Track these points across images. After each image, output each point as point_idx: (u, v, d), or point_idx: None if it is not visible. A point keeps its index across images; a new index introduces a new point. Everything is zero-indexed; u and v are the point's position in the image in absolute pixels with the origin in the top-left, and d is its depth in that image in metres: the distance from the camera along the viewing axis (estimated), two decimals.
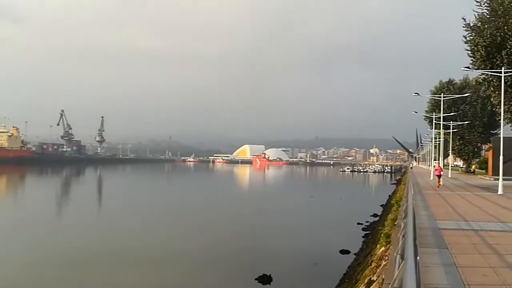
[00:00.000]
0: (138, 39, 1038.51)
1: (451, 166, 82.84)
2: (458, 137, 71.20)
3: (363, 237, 30.36)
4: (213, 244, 29.48)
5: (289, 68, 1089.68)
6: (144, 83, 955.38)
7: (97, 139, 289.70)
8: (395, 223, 18.65)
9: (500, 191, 28.27)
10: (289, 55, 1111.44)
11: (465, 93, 61.09)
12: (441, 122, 57.28)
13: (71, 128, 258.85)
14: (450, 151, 76.20)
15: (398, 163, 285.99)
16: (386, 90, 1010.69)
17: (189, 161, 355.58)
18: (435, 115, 59.59)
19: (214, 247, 28.41)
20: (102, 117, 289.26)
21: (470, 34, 33.37)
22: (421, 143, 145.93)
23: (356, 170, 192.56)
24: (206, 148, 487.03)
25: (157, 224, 37.31)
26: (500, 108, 31.64)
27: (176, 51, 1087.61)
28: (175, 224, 37.95)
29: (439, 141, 70.34)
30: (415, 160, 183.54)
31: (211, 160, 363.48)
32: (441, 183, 36.29)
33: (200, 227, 36.15)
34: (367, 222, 38.22)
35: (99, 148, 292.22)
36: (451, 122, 63.87)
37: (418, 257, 6.79)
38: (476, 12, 33.20)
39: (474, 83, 58.21)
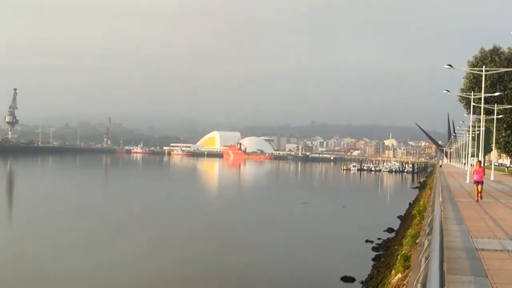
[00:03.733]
0: None
1: (495, 165, 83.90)
2: (505, 125, 71.88)
3: (373, 259, 30.65)
4: (182, 270, 29.56)
5: (277, 26, 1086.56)
6: (73, 40, 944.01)
7: (7, 120, 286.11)
8: (417, 241, 18.88)
9: None
10: (279, 4, 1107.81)
11: None
12: (482, 105, 57.84)
13: None
14: (494, 145, 76.95)
15: (423, 159, 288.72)
16: (407, 61, 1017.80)
17: (136, 152, 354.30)
18: (474, 95, 60.13)
19: (183, 274, 28.50)
20: (15, 89, 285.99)
21: None
22: (455, 133, 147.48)
23: (365, 168, 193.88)
24: (159, 134, 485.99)
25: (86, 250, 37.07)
26: None
27: None
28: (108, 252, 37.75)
29: (479, 130, 71.10)
30: (446, 156, 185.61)
31: (166, 151, 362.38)
32: (481, 192, 29.26)
33: (161, 249, 36.13)
34: (379, 239, 38.57)
35: (10, 132, 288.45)
36: (496, 104, 64.49)
37: None
38: None
39: None
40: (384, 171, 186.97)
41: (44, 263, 30.25)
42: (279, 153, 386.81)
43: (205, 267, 30.05)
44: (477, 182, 29.42)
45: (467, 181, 49.26)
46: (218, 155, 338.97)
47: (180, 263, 31.13)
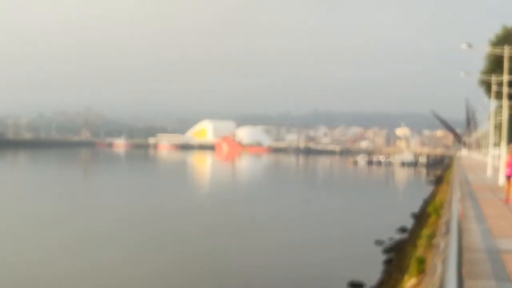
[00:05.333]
0: None
1: None
2: None
3: (384, 262, 30.70)
4: (177, 274, 29.70)
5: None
6: (47, 22, 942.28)
7: None
8: (433, 242, 18.93)
9: None
10: None
11: None
12: (504, 89, 57.81)
13: None
14: None
15: (439, 150, 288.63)
16: (421, 40, 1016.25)
17: (119, 144, 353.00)
18: (496, 78, 60.10)
19: (178, 279, 28.65)
20: None
21: None
22: (474, 121, 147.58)
23: (375, 161, 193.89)
24: (144, 124, 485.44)
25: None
26: None
27: None
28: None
29: (502, 118, 71.12)
30: (465, 147, 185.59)
31: (151, 144, 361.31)
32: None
33: (152, 254, 36.24)
34: (390, 240, 38.61)
35: None
36: None
37: None
38: None
39: None
40: (395, 164, 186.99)
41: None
42: (278, 145, 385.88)
43: (201, 271, 30.14)
44: (509, 177, 26.06)
45: (488, 174, 49.35)
46: (210, 148, 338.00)
47: (175, 267, 31.18)
